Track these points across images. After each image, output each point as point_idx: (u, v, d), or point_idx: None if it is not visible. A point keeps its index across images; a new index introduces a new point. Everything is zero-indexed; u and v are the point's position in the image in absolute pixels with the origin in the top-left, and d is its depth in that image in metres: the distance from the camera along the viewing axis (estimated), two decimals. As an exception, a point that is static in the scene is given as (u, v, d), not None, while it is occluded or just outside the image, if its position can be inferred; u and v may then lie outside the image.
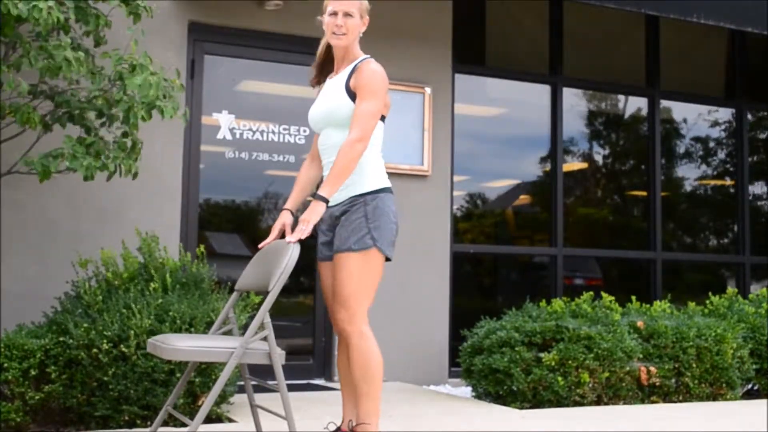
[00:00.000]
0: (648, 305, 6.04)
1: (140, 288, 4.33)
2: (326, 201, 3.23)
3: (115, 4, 4.47)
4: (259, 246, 3.45)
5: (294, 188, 3.63)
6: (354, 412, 3.35)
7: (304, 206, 3.39)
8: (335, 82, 3.43)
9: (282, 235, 3.43)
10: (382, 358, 3.28)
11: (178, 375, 4.05)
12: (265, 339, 3.18)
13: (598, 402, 5.21)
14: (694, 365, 5.45)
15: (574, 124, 7.34)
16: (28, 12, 3.80)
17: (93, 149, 4.28)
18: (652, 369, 5.34)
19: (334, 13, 3.39)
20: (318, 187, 3.37)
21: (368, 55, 3.46)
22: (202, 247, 4.79)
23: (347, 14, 3.38)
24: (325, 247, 3.44)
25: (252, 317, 4.40)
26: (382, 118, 3.41)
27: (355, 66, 3.37)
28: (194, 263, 4.62)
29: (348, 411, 3.39)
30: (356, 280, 3.24)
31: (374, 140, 3.37)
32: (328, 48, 3.53)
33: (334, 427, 3.45)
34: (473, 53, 6.99)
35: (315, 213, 3.21)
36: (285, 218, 3.47)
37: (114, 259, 4.52)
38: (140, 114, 4.23)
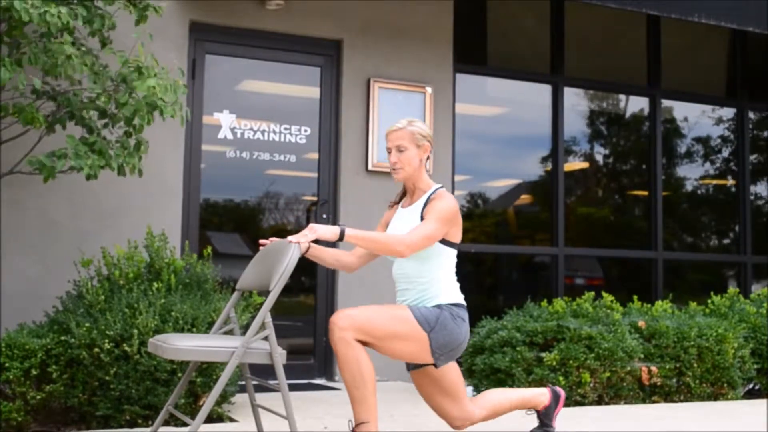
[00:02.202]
0: (649, 305, 6.04)
1: (143, 288, 4.33)
2: (341, 236, 3.20)
3: (120, 5, 4.48)
4: (260, 242, 3.45)
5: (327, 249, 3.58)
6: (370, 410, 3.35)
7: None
8: (410, 213, 3.45)
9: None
10: (372, 363, 3.21)
11: (180, 375, 4.05)
12: (266, 338, 3.18)
13: (599, 402, 5.21)
14: (696, 365, 5.45)
15: (575, 123, 7.34)
16: (39, 17, 3.82)
17: (96, 148, 4.29)
18: (654, 369, 5.34)
19: (389, 150, 3.44)
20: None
21: (440, 185, 3.48)
22: (209, 249, 4.79)
23: (400, 149, 3.41)
24: None
25: (253, 317, 4.41)
26: (454, 246, 3.43)
27: (429, 197, 3.41)
28: (198, 263, 4.62)
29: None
30: (389, 320, 3.23)
31: (447, 269, 3.42)
32: None
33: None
34: (474, 53, 6.99)
35: (326, 229, 3.21)
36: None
37: (120, 257, 4.51)
38: (146, 117, 4.25)
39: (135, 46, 4.39)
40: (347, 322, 3.13)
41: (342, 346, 3.13)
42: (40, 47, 4.08)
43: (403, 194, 3.63)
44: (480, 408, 3.59)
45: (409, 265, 3.40)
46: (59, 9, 3.86)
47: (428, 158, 3.50)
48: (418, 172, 3.45)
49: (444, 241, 3.38)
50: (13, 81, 4.24)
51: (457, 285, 3.47)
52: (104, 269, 4.60)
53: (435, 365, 3.35)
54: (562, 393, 3.80)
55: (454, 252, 3.44)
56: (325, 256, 3.51)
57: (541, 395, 3.77)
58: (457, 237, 3.43)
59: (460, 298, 3.43)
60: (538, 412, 3.79)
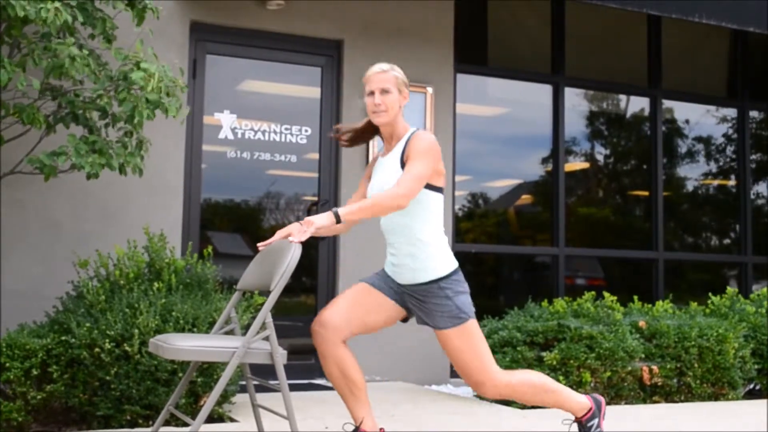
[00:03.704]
0: (650, 305, 6.05)
1: (144, 288, 4.33)
2: (338, 220, 3.19)
3: (120, 7, 4.48)
4: (258, 245, 3.44)
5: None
6: (365, 409, 3.35)
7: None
8: (390, 160, 3.41)
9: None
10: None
11: (181, 375, 4.05)
12: (266, 339, 3.18)
13: (600, 402, 5.21)
14: (696, 365, 5.45)
15: (576, 123, 7.34)
16: (35, 13, 3.80)
17: (96, 148, 4.29)
18: (654, 369, 5.34)
19: (372, 93, 3.39)
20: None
21: (416, 128, 3.45)
22: (209, 248, 4.79)
23: (384, 91, 3.36)
24: (376, 278, 3.46)
25: (254, 317, 4.41)
26: (440, 190, 3.39)
27: (407, 140, 3.37)
28: (199, 263, 4.62)
29: (357, 411, 3.39)
30: (472, 354, 3.32)
31: (435, 218, 3.38)
32: (370, 123, 3.51)
33: (351, 428, 3.45)
34: (475, 53, 6.99)
35: (322, 220, 3.19)
36: (292, 227, 3.33)
37: (121, 257, 4.51)
38: (145, 113, 4.22)
39: (134, 43, 4.38)
40: (487, 387, 3.36)
41: (506, 390, 3.40)
42: (41, 48, 4.07)
43: (357, 132, 3.57)
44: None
45: (396, 214, 3.34)
46: (55, 5, 3.85)
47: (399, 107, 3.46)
48: (397, 117, 3.41)
49: (429, 185, 3.33)
50: (12, 82, 4.24)
51: (446, 239, 3.41)
52: (104, 270, 4.59)
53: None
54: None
55: (440, 198, 3.39)
56: (333, 229, 3.45)
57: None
58: (441, 180, 3.38)
59: (453, 261, 3.38)
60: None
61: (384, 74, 3.39)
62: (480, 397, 5.47)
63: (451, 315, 3.29)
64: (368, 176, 3.58)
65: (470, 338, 3.31)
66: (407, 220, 3.33)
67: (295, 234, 3.19)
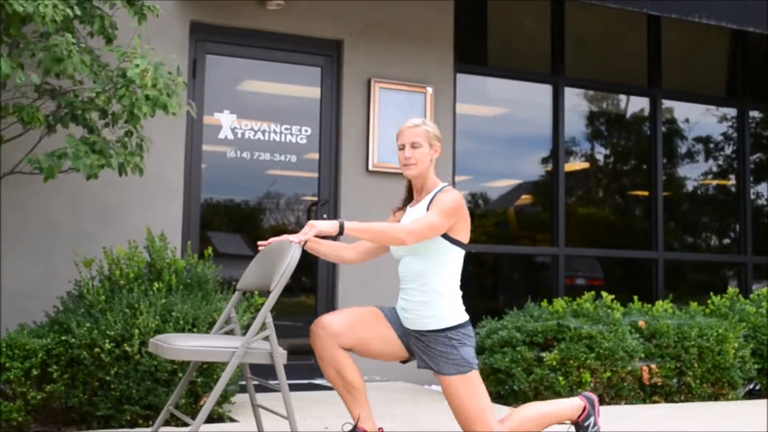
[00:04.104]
0: (649, 305, 6.04)
1: (144, 288, 4.33)
2: (342, 232, 3.20)
3: (118, 5, 4.48)
4: (259, 244, 3.45)
5: (325, 242, 3.55)
6: (364, 409, 3.35)
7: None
8: (416, 212, 3.44)
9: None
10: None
11: (181, 375, 4.05)
12: (266, 339, 3.18)
13: (600, 402, 5.20)
14: (696, 365, 5.45)
15: (576, 123, 7.34)
16: (33, 10, 3.79)
17: (96, 148, 4.29)
18: (654, 368, 5.34)
19: (402, 147, 3.45)
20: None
21: (446, 183, 3.49)
22: (210, 249, 4.79)
23: (414, 145, 3.41)
24: (389, 312, 3.47)
25: (254, 317, 4.41)
26: (462, 245, 3.40)
27: (434, 194, 3.40)
28: (199, 264, 4.62)
29: (355, 409, 3.39)
30: (474, 402, 3.32)
31: (452, 271, 3.39)
32: (409, 183, 3.57)
33: (349, 428, 3.45)
34: (475, 53, 6.99)
35: (326, 224, 3.20)
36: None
37: (120, 257, 4.51)
38: (144, 109, 4.21)
39: (131, 40, 4.38)
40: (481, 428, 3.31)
41: None
42: (40, 47, 4.07)
43: (408, 197, 3.61)
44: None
45: (414, 261, 3.38)
46: (53, 1, 3.84)
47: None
48: (428, 170, 3.47)
49: (450, 239, 3.36)
50: (12, 79, 4.23)
51: (460, 294, 3.43)
52: (106, 269, 4.59)
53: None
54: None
55: (460, 253, 3.41)
56: (322, 249, 3.50)
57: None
58: (464, 235, 3.40)
59: (464, 314, 3.41)
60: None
61: (415, 129, 3.45)
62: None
63: (455, 363, 3.31)
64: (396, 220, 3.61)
65: (472, 387, 3.33)
66: (423, 268, 3.35)
67: (296, 235, 3.21)
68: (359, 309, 3.45)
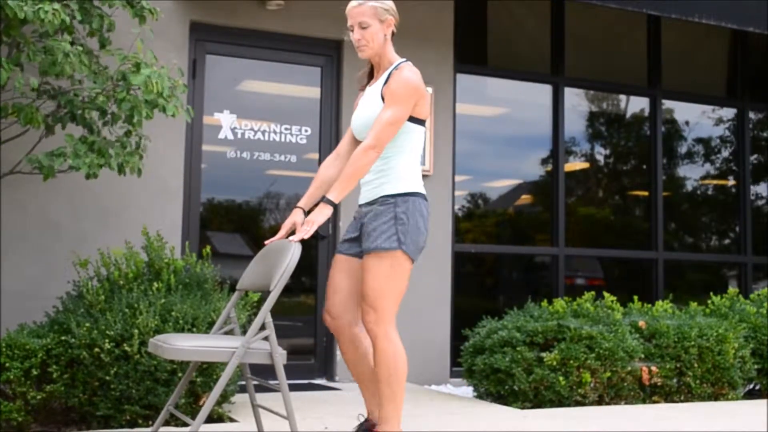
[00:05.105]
0: (650, 305, 6.04)
1: (143, 288, 4.33)
2: (333, 205, 3.20)
3: (118, 5, 4.48)
4: (265, 243, 3.44)
5: (311, 185, 3.52)
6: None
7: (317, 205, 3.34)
8: (373, 90, 3.37)
9: (291, 233, 3.39)
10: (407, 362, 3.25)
11: (180, 375, 4.05)
12: (266, 339, 3.18)
13: (600, 402, 5.21)
14: (696, 365, 5.45)
15: (576, 123, 7.34)
16: (33, 14, 3.80)
17: (95, 147, 4.29)
18: (654, 369, 5.34)
19: (351, 28, 3.34)
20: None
21: (404, 59, 3.37)
22: (208, 248, 4.79)
23: (362, 25, 3.31)
24: (347, 244, 3.42)
25: (251, 316, 4.41)
26: (422, 122, 3.33)
27: (390, 72, 3.32)
28: (198, 263, 4.62)
29: (372, 404, 3.39)
30: (383, 282, 3.22)
31: (413, 146, 3.32)
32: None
33: (362, 419, 3.44)
34: (475, 53, 6.99)
35: (321, 215, 3.19)
36: (296, 217, 3.37)
37: (119, 257, 4.52)
38: (144, 113, 4.23)
39: (134, 43, 4.38)
40: (374, 316, 3.20)
41: (381, 341, 3.20)
42: (39, 48, 4.07)
43: (370, 71, 3.50)
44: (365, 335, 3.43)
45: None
46: (53, 5, 3.85)
47: (393, 33, 3.39)
48: (383, 48, 3.35)
49: (411, 118, 3.28)
50: (11, 81, 4.24)
51: (419, 169, 3.35)
52: (104, 270, 4.59)
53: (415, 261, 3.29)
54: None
55: (421, 129, 3.34)
56: (323, 192, 3.43)
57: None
58: (423, 111, 3.30)
59: (421, 187, 3.33)
60: (368, 426, 3.48)
61: (360, 7, 3.31)
62: (479, 397, 5.47)
63: (388, 236, 3.20)
64: (356, 107, 3.55)
65: (395, 271, 3.21)
66: (386, 149, 3.28)
67: (296, 234, 3.21)
68: (332, 277, 3.42)
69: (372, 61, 3.42)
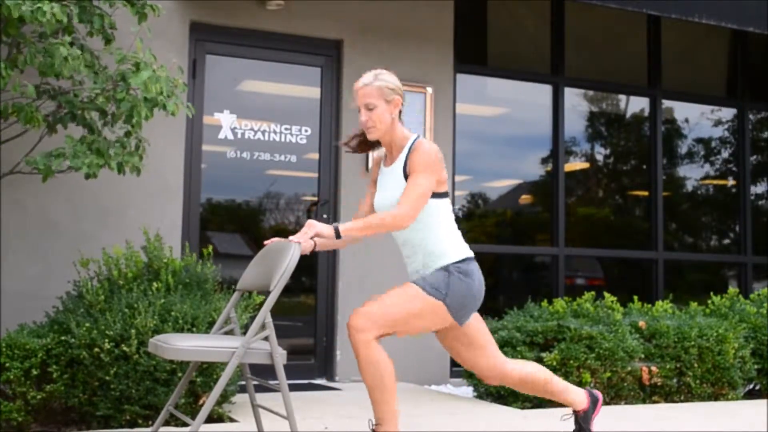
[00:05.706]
0: (650, 305, 6.04)
1: (143, 288, 4.33)
2: (338, 235, 3.16)
3: (119, 4, 4.47)
4: (265, 243, 3.42)
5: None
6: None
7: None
8: (394, 172, 3.32)
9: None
10: (392, 364, 3.18)
11: (180, 375, 4.05)
12: (266, 339, 3.18)
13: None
14: (696, 365, 5.45)
15: (576, 123, 7.34)
16: (31, 14, 3.80)
17: (94, 147, 4.29)
18: (654, 369, 5.34)
19: (359, 109, 3.31)
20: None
21: (417, 134, 3.35)
22: (210, 248, 4.79)
23: (369, 107, 3.26)
24: None
25: (253, 317, 4.41)
26: (444, 195, 3.32)
27: (408, 151, 3.27)
28: (198, 263, 4.62)
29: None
30: (403, 303, 3.17)
31: (444, 218, 3.30)
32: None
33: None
34: (475, 53, 6.99)
35: (323, 229, 3.16)
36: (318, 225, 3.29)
37: (118, 258, 4.51)
38: (144, 113, 4.22)
39: (133, 43, 4.38)
40: (365, 323, 3.08)
41: (362, 348, 3.08)
42: (38, 48, 4.07)
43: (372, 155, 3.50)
44: (517, 369, 3.49)
45: (411, 234, 3.29)
46: (52, 5, 3.85)
47: (400, 112, 3.34)
48: (391, 128, 3.30)
49: (435, 194, 3.25)
50: (10, 84, 4.23)
51: (459, 235, 3.35)
52: (105, 269, 4.59)
53: (459, 324, 3.30)
54: (600, 396, 3.68)
55: (446, 201, 3.32)
56: (330, 243, 3.38)
57: (579, 394, 3.62)
58: (445, 184, 3.29)
59: (465, 252, 3.31)
60: (576, 414, 3.65)
61: (366, 88, 3.27)
62: (479, 397, 5.47)
63: (429, 283, 3.20)
64: (374, 180, 3.50)
65: (415, 299, 3.17)
66: (422, 237, 3.29)
67: (296, 235, 3.20)
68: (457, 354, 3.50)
69: (383, 142, 3.38)
